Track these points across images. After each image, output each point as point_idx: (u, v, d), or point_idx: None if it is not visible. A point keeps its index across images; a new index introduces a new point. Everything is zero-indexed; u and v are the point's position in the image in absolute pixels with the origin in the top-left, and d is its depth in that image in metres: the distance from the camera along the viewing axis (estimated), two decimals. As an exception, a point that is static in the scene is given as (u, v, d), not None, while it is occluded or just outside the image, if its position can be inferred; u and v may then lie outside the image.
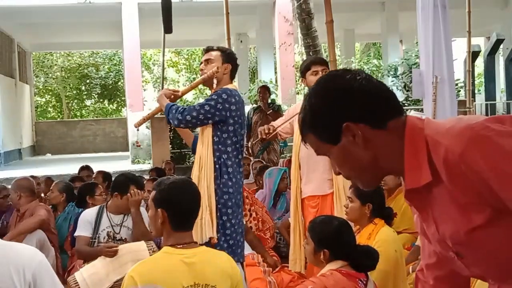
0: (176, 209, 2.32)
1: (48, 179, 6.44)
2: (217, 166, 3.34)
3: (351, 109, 1.25)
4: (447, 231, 1.27)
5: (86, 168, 6.97)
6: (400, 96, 13.83)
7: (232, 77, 3.55)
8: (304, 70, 4.12)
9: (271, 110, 8.23)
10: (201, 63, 3.59)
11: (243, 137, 3.48)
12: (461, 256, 1.29)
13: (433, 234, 1.34)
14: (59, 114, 28.90)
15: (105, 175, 6.21)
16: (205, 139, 3.38)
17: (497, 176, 1.14)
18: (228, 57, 3.52)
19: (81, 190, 5.06)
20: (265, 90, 8.69)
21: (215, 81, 3.45)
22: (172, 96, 3.56)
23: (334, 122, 1.26)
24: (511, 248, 1.22)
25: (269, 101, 8.90)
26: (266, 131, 3.83)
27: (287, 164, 5.68)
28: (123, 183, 3.97)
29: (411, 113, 7.19)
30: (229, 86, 3.45)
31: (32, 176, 5.73)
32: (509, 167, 1.13)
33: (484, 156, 1.14)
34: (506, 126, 1.17)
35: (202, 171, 3.34)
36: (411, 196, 1.31)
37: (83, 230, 3.94)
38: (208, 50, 3.57)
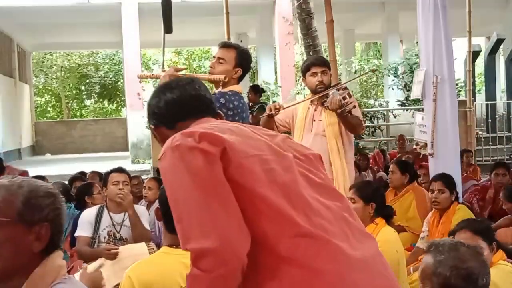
0: (165, 211, 2.30)
1: (41, 178, 6.27)
2: None
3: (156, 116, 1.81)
4: None
5: (79, 178, 6.38)
6: (401, 95, 13.80)
7: (240, 80, 3.40)
8: (304, 70, 4.11)
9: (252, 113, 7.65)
10: (214, 57, 3.41)
11: None
12: None
13: None
14: (58, 114, 28.88)
15: (100, 175, 6.16)
16: None
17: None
18: (242, 61, 3.35)
19: (78, 191, 5.06)
20: (250, 90, 8.48)
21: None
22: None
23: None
24: None
25: (262, 101, 8.60)
26: (273, 108, 3.82)
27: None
28: (105, 175, 4.11)
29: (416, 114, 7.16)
30: (234, 88, 3.32)
31: (41, 177, 5.74)
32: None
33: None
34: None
35: None
36: None
37: (83, 230, 3.93)
38: (224, 46, 3.37)
